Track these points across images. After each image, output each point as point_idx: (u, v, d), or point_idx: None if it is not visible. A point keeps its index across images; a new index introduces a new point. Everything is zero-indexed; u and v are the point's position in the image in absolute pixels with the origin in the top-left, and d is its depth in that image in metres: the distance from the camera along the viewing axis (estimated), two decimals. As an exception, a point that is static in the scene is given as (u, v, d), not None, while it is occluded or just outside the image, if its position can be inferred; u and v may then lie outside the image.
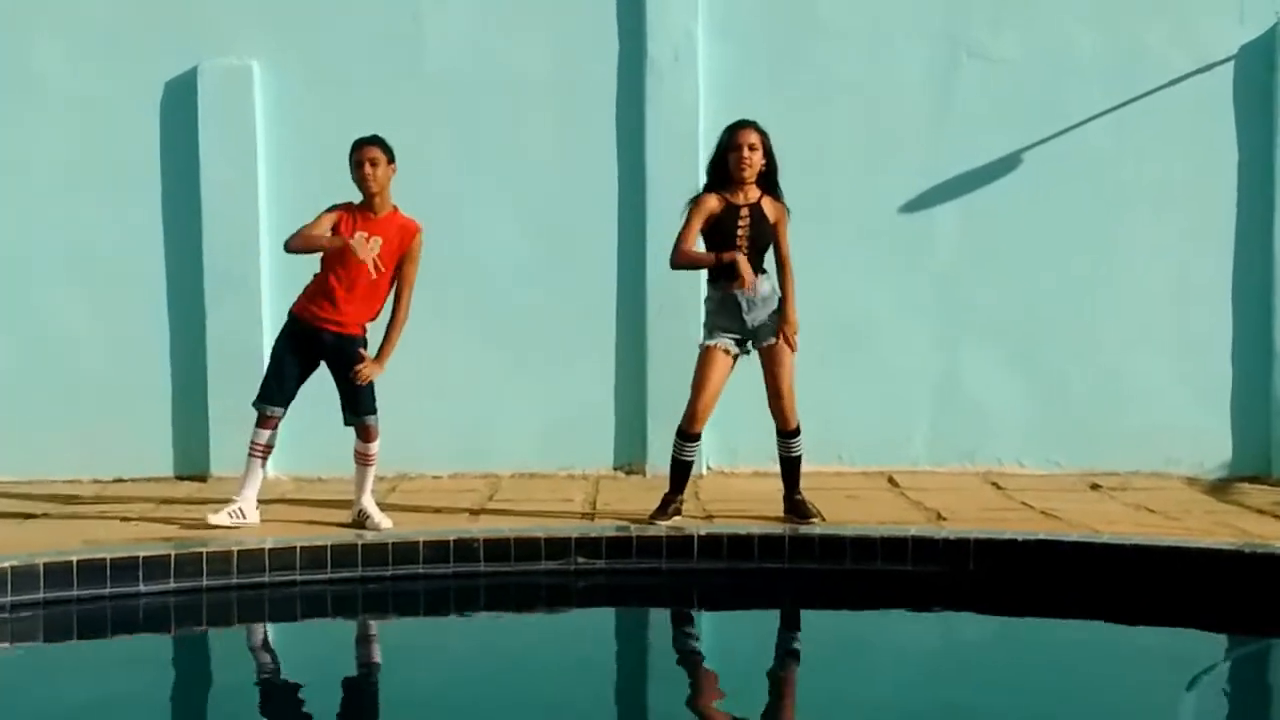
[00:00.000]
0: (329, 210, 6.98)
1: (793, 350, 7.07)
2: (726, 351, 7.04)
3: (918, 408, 8.83)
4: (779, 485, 7.24)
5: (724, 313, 7.05)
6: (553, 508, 7.58)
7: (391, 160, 6.98)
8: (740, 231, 6.97)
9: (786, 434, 7.14)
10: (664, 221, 8.26)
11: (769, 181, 7.06)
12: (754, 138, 6.99)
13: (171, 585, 6.24)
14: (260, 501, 7.18)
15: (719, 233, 7.00)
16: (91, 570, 6.12)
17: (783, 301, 7.08)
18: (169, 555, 6.30)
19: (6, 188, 8.58)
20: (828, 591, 6.63)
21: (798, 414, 7.12)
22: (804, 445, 7.19)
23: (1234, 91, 8.68)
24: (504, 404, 8.68)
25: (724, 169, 7.03)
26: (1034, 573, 6.52)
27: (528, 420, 8.69)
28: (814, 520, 7.06)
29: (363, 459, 7.12)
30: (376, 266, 6.91)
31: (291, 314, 7.09)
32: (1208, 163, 8.69)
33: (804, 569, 6.66)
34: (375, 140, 6.97)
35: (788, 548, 6.72)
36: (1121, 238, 8.76)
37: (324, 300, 6.98)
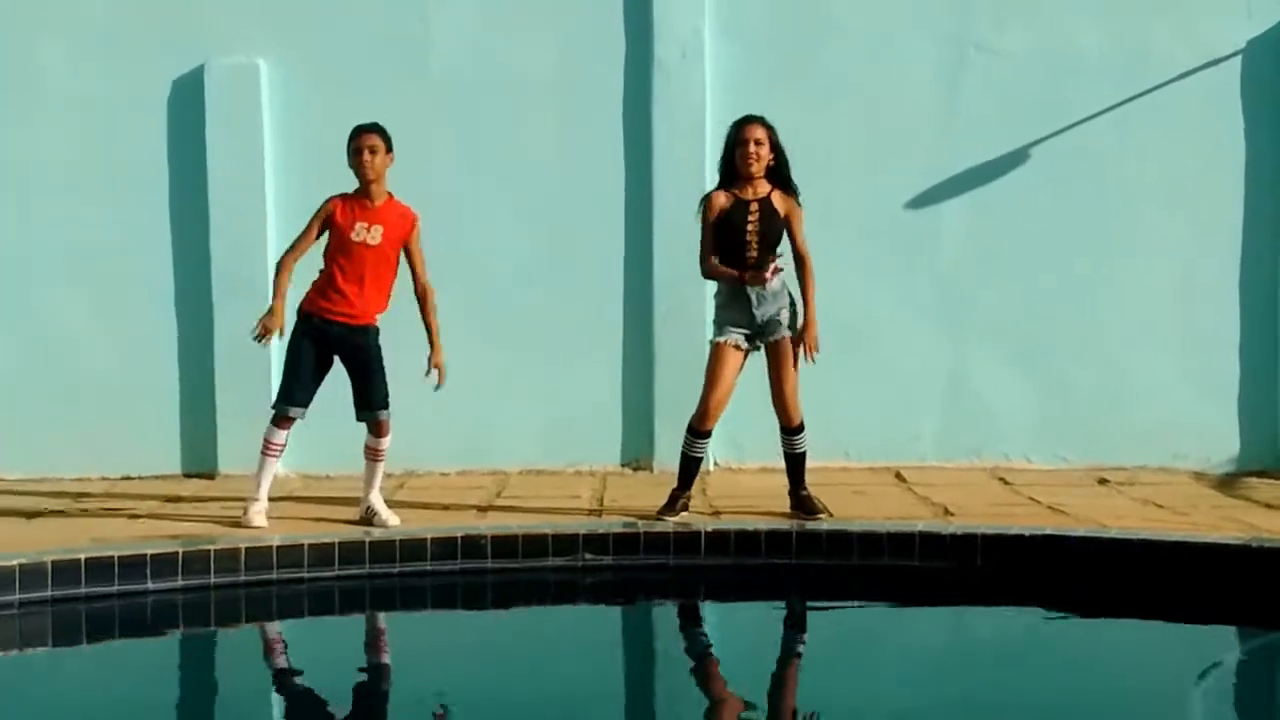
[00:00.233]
0: (325, 202, 7.00)
1: (811, 362, 7.03)
2: (737, 347, 7.03)
3: (925, 404, 8.83)
4: (786, 481, 7.23)
5: (734, 307, 7.04)
6: (560, 504, 7.58)
7: (390, 149, 6.98)
8: (750, 226, 6.97)
9: (790, 430, 7.13)
10: (670, 219, 8.30)
11: (779, 175, 7.06)
12: (760, 132, 6.98)
13: (179, 583, 6.24)
14: (267, 499, 7.18)
15: (729, 228, 6.99)
16: (100, 568, 6.12)
17: (805, 307, 7.03)
18: (177, 553, 6.30)
19: (13, 188, 8.59)
20: (835, 587, 6.63)
21: (801, 410, 7.11)
22: (810, 441, 7.16)
23: (1241, 87, 8.67)
24: (512, 401, 8.69)
25: (733, 165, 7.04)
26: (1041, 567, 6.52)
27: (535, 417, 8.69)
28: (820, 516, 7.05)
29: (373, 454, 7.12)
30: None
31: (301, 311, 7.08)
32: (1214, 159, 8.68)
33: (811, 564, 6.67)
34: (374, 128, 6.97)
35: (795, 543, 6.73)
36: (1128, 234, 8.75)
37: (332, 294, 6.98)
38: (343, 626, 6.40)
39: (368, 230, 6.94)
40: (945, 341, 8.81)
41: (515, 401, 8.69)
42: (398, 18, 8.66)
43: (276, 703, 5.34)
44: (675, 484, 7.14)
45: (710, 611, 6.74)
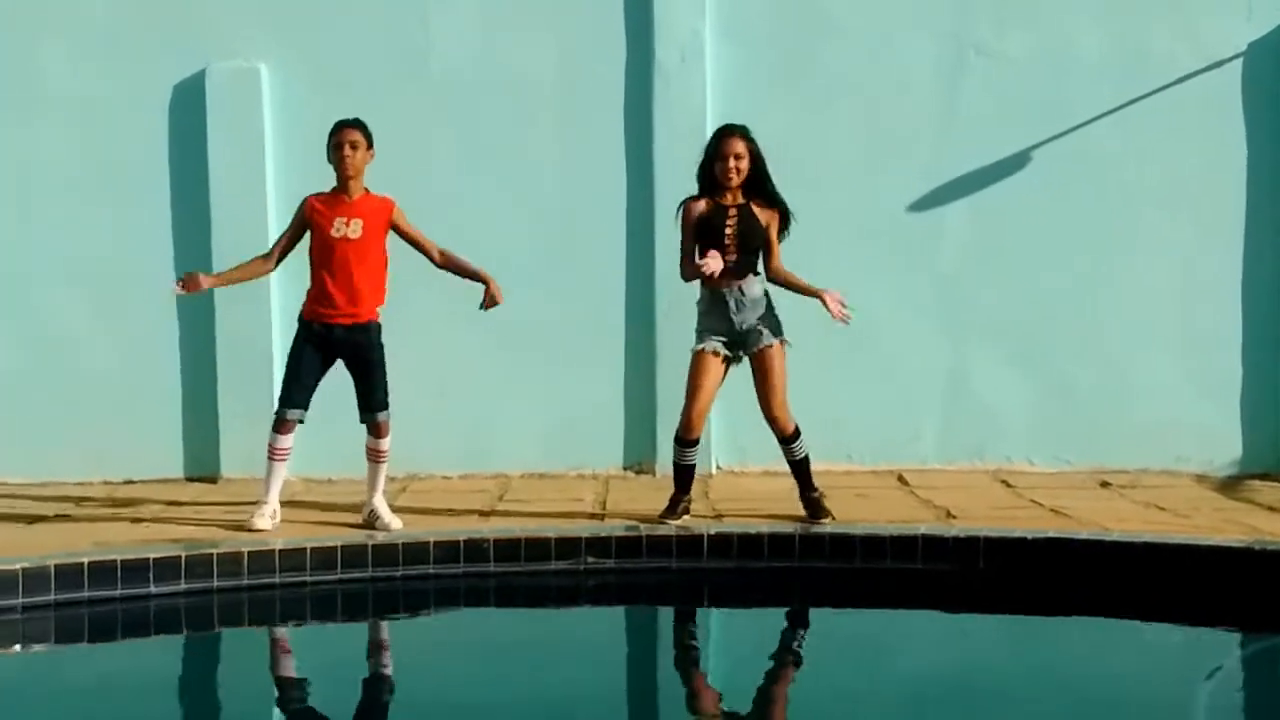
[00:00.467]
0: (302, 203, 7.02)
1: (846, 313, 7.04)
2: (716, 354, 7.03)
3: (927, 406, 8.82)
4: (788, 484, 7.23)
5: (713, 314, 7.05)
6: (563, 508, 7.58)
7: (370, 145, 6.96)
8: (729, 229, 6.98)
9: (786, 439, 7.11)
10: (672, 221, 8.25)
11: (760, 188, 7.06)
12: (740, 146, 6.99)
13: (182, 586, 6.24)
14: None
15: (708, 230, 7.01)
16: (102, 572, 6.12)
17: (810, 289, 7.06)
18: (179, 556, 6.30)
19: (14, 190, 8.59)
20: (838, 590, 6.63)
21: (793, 418, 7.08)
22: (809, 444, 7.14)
23: (1242, 89, 8.67)
24: (514, 404, 8.68)
25: (712, 175, 7.05)
26: (1044, 570, 6.52)
27: (538, 421, 8.69)
28: (824, 520, 7.06)
29: (374, 455, 7.11)
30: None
31: (301, 319, 7.08)
32: (1215, 160, 8.67)
33: (814, 568, 6.67)
34: (356, 123, 6.95)
35: (798, 546, 6.73)
36: (1129, 235, 8.75)
37: (325, 298, 6.97)
38: (345, 630, 6.40)
39: (347, 225, 6.92)
40: (946, 342, 8.80)
41: (517, 404, 8.68)
42: (398, 21, 8.66)
43: (279, 706, 5.34)
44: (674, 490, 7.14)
45: (713, 615, 6.74)
